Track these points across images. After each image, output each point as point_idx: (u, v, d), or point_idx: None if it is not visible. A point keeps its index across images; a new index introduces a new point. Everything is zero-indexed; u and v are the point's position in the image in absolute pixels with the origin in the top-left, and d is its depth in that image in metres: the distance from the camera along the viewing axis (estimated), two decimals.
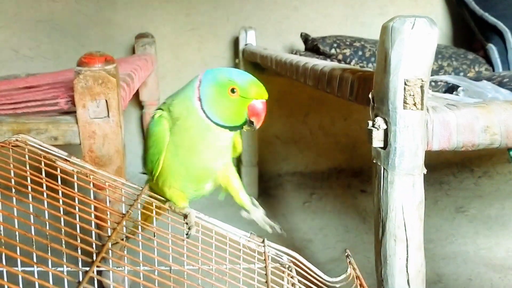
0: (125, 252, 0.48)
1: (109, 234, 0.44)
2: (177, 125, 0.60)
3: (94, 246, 0.43)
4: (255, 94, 0.60)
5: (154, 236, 0.55)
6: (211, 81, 0.60)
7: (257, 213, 0.68)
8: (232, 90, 0.59)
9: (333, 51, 1.72)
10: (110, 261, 0.48)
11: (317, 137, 2.43)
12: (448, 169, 2.43)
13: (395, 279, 0.83)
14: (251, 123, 0.60)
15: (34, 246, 0.43)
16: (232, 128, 0.61)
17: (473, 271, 1.55)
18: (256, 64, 2.00)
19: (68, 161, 0.58)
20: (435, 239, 1.76)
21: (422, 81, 0.76)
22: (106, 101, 1.04)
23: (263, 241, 0.66)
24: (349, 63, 1.70)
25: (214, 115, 0.59)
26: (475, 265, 1.58)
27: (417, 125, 0.78)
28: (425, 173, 0.82)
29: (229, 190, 0.69)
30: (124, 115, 2.20)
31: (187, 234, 0.60)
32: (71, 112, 1.11)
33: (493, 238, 1.78)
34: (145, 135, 0.67)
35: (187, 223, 0.62)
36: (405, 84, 0.76)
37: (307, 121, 2.40)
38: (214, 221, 0.64)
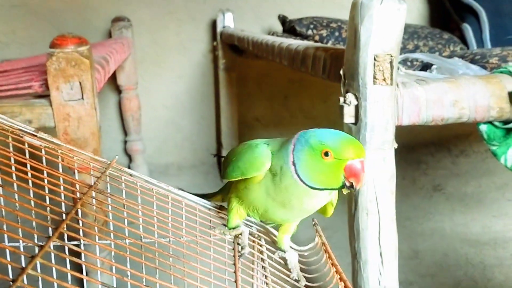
0: (96, 222, 0.49)
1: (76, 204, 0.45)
2: (274, 180, 0.59)
3: (64, 216, 0.44)
4: (351, 154, 0.56)
5: (124, 207, 0.56)
6: (304, 145, 0.58)
7: (292, 255, 0.65)
8: (326, 154, 0.56)
9: (309, 32, 1.72)
10: (81, 231, 0.48)
11: (297, 119, 2.44)
12: (426, 148, 2.46)
13: (368, 252, 0.85)
14: (350, 184, 0.56)
15: (4, 215, 0.43)
16: (329, 190, 0.59)
17: (449, 246, 1.58)
18: (234, 47, 2.00)
19: (36, 136, 0.58)
20: (412, 217, 1.79)
21: (391, 56, 0.77)
22: (80, 83, 1.04)
23: None
24: (326, 44, 1.71)
25: (309, 180, 0.57)
26: (451, 241, 1.62)
27: (387, 100, 0.79)
28: (396, 147, 0.83)
29: (281, 227, 0.67)
30: (101, 100, 2.18)
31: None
32: (46, 95, 1.11)
33: (469, 215, 1.82)
34: (245, 146, 0.65)
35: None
36: (375, 59, 0.77)
37: (287, 104, 2.41)
38: (183, 194, 0.64)
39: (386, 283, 0.86)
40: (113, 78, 2.07)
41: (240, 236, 0.63)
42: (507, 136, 0.89)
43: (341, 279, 0.53)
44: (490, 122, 0.90)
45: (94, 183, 0.52)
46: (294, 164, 0.57)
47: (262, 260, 0.58)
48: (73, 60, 1.02)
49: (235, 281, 0.45)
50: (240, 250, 0.59)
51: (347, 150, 0.56)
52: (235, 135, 2.25)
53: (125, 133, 2.21)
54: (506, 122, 0.89)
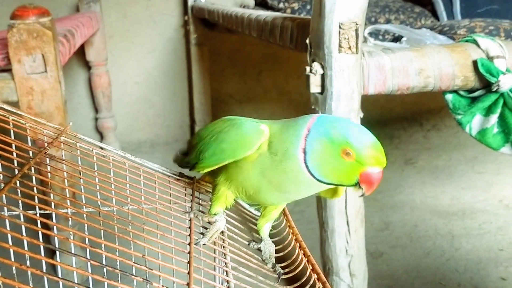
0: (51, 189, 0.48)
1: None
2: (273, 161, 0.53)
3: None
4: (373, 161, 0.50)
5: (80, 174, 0.54)
6: (323, 135, 0.51)
7: (268, 246, 0.60)
8: (347, 153, 0.50)
9: (281, 5, 1.70)
10: (36, 198, 0.47)
11: (271, 95, 2.43)
12: (399, 123, 2.49)
13: (335, 221, 0.86)
14: (360, 186, 0.52)
15: None
16: (337, 186, 0.54)
17: (419, 218, 1.61)
18: (205, 21, 1.97)
19: None
20: (384, 190, 1.82)
21: (357, 24, 0.77)
22: (42, 55, 1.01)
23: (192, 179, 0.66)
24: None
25: (318, 173, 0.52)
26: (421, 213, 1.65)
27: (352, 69, 0.79)
28: (362, 116, 0.84)
29: (264, 212, 0.62)
30: (71, 76, 2.14)
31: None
32: (8, 69, 1.08)
33: (439, 187, 1.85)
34: (227, 124, 0.58)
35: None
36: (340, 27, 0.76)
37: (260, 79, 2.39)
38: (141, 161, 0.63)
39: (353, 252, 0.87)
40: (82, 54, 2.03)
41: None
42: (471, 105, 0.90)
43: (296, 240, 0.54)
44: (456, 92, 0.91)
45: (45, 147, 0.51)
46: (304, 152, 0.52)
47: (222, 232, 0.58)
48: (35, 31, 0.99)
49: (189, 243, 0.45)
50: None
51: (371, 156, 0.51)
52: (208, 111, 2.24)
53: (96, 110, 2.18)
54: (471, 91, 0.90)
